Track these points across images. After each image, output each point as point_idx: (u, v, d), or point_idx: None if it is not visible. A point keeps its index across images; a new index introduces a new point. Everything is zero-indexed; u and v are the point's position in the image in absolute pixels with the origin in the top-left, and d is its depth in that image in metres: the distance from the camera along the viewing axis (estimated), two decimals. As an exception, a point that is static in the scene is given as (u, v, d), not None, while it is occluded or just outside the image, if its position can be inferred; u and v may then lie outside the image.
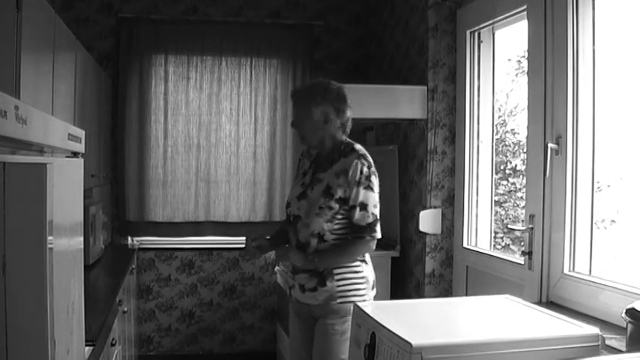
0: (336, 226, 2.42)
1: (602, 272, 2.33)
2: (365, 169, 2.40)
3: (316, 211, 2.42)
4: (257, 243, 2.55)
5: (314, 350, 2.47)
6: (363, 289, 2.43)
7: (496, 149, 3.29)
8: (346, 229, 2.42)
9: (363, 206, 2.37)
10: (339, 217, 2.41)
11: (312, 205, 2.43)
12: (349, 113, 2.51)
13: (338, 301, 2.40)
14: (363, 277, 2.44)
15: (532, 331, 1.84)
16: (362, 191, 2.38)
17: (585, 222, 2.40)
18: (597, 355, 1.75)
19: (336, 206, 2.40)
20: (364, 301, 2.40)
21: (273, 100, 4.55)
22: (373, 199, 2.40)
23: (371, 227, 2.39)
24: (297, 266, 2.48)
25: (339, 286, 2.41)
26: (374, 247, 2.45)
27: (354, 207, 2.38)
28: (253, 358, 4.61)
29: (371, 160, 2.45)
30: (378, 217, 2.42)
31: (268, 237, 2.68)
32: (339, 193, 2.39)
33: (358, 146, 2.50)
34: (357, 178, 2.38)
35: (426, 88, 3.40)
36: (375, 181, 2.42)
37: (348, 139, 2.54)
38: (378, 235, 2.41)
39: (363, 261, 2.47)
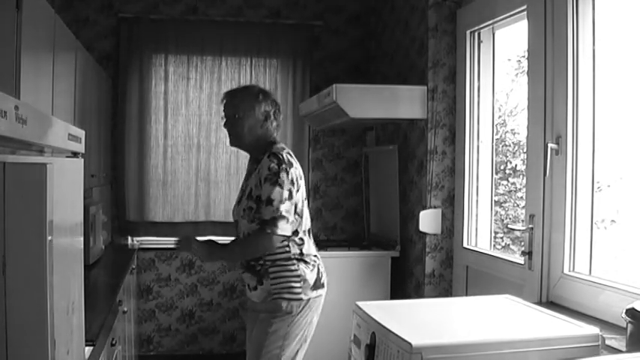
0: (258, 227, 2.43)
1: (602, 272, 2.32)
2: (273, 166, 2.39)
3: (241, 213, 2.51)
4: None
5: (250, 343, 2.53)
6: (298, 287, 2.43)
7: (496, 149, 3.29)
8: None
9: (269, 201, 2.37)
10: (258, 216, 2.42)
11: (241, 207, 2.52)
12: (262, 110, 2.52)
13: (273, 297, 2.44)
14: (298, 275, 2.44)
15: (532, 331, 1.84)
16: (268, 187, 2.38)
17: (585, 222, 2.40)
18: (597, 355, 1.75)
19: (255, 206, 2.44)
20: (299, 300, 2.43)
21: (273, 100, 4.54)
22: (280, 194, 2.37)
23: (273, 221, 2.36)
24: (243, 265, 2.53)
25: (273, 284, 2.44)
26: (275, 244, 2.39)
27: (262, 202, 2.40)
28: (253, 358, 4.61)
29: (285, 159, 2.42)
30: (287, 215, 2.38)
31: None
32: (255, 193, 2.44)
33: (276, 146, 2.50)
34: (265, 175, 2.40)
35: (426, 88, 3.39)
36: (284, 177, 2.38)
37: (276, 139, 2.56)
38: (280, 231, 2.37)
39: (301, 260, 2.46)
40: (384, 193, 4.14)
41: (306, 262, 2.47)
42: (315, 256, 2.54)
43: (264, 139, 2.54)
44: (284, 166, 2.40)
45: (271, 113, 2.54)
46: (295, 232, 2.46)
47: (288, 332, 2.43)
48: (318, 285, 2.50)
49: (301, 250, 2.47)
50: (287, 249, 2.45)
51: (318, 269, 2.52)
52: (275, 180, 2.37)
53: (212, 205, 4.52)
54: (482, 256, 3.14)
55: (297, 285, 2.44)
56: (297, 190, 2.44)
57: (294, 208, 2.42)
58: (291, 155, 2.48)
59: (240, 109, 2.52)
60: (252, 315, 2.62)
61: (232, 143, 2.60)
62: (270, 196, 2.37)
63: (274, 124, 2.56)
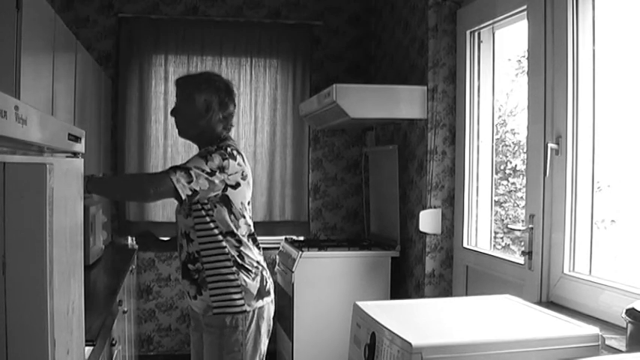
0: (195, 221, 2.29)
1: (602, 272, 2.32)
2: (211, 148, 2.26)
3: (178, 208, 2.35)
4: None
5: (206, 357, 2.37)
6: (240, 299, 2.27)
7: (496, 149, 3.29)
8: (206, 223, 2.28)
9: (186, 163, 2.22)
10: (194, 210, 2.27)
11: (178, 205, 2.35)
12: (232, 108, 2.41)
13: (214, 312, 2.29)
14: (238, 285, 2.27)
15: (532, 331, 1.84)
16: (195, 157, 2.23)
17: (585, 222, 2.40)
18: (597, 355, 1.75)
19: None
20: (243, 312, 2.28)
21: (273, 100, 4.55)
22: (201, 164, 2.19)
23: (174, 169, 2.16)
24: (180, 271, 2.40)
25: (212, 295, 2.28)
26: (163, 190, 2.13)
27: None
28: (253, 358, 4.60)
29: (229, 151, 2.28)
30: (193, 177, 2.16)
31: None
32: None
33: (227, 141, 2.37)
34: (199, 153, 2.28)
35: (426, 88, 3.40)
36: (215, 157, 2.22)
37: (228, 136, 2.44)
38: (175, 177, 2.12)
39: (242, 267, 2.29)
40: (384, 193, 4.14)
41: (247, 270, 2.30)
42: (258, 262, 2.36)
43: (210, 133, 2.37)
44: (222, 152, 2.25)
45: (213, 104, 2.35)
46: (231, 234, 2.29)
47: (242, 347, 2.29)
48: (263, 293, 2.33)
49: (240, 253, 2.30)
50: (225, 250, 2.28)
51: (262, 277, 2.35)
52: (205, 155, 2.22)
53: (212, 205, 4.51)
54: (482, 256, 3.14)
55: (238, 296, 2.27)
56: (235, 187, 2.28)
57: (229, 205, 2.28)
58: (238, 152, 2.33)
59: (182, 97, 2.38)
60: (196, 325, 2.48)
61: (180, 134, 2.45)
62: (190, 161, 2.22)
63: (219, 115, 2.36)
